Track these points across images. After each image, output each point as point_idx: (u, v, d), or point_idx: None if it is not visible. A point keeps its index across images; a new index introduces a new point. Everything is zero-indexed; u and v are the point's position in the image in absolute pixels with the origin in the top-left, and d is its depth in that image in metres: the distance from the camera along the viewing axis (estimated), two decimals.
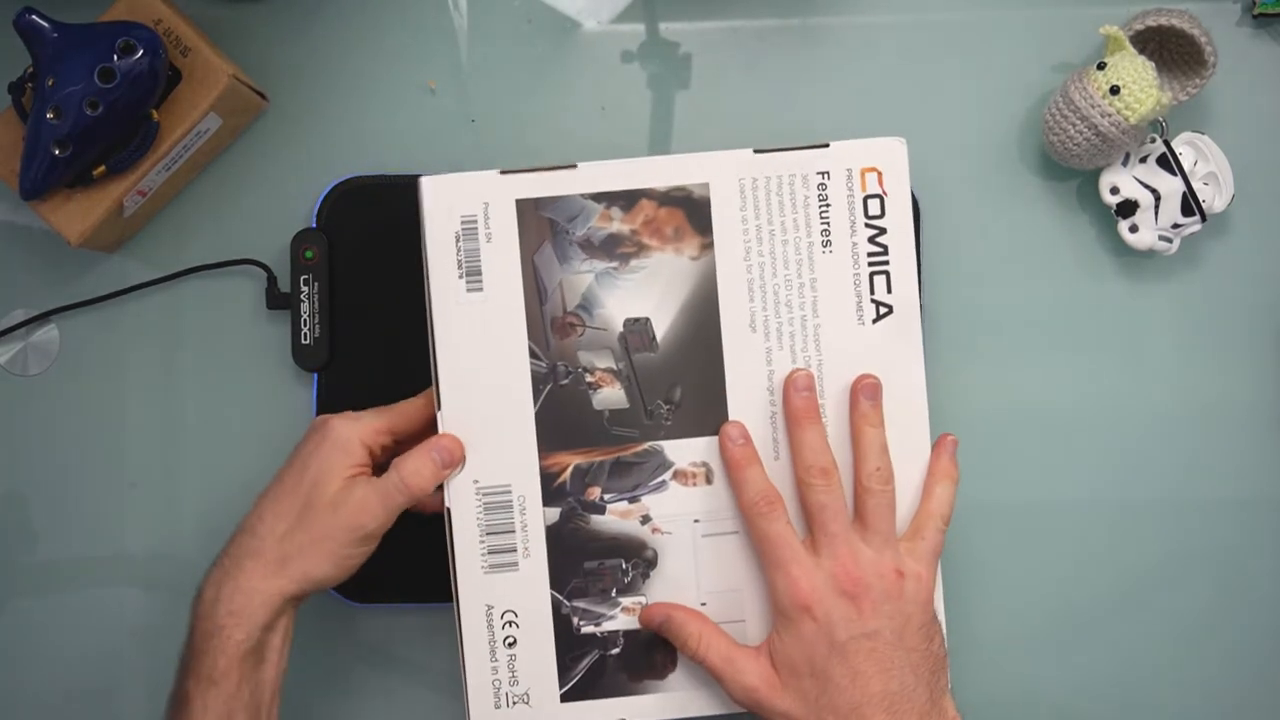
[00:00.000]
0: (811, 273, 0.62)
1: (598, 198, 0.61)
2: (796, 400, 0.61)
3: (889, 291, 0.62)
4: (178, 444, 0.70)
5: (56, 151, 0.63)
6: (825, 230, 0.61)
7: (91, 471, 0.70)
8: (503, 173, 0.61)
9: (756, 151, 0.61)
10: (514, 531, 0.62)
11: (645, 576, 0.62)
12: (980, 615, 0.69)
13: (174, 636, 0.70)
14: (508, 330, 0.62)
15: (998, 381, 0.69)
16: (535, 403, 0.62)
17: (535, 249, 0.61)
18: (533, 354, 0.62)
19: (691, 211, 0.62)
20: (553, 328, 0.62)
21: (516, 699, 0.62)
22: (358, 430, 0.61)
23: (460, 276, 0.61)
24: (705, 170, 0.62)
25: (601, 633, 0.62)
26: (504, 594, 0.62)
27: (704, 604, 0.62)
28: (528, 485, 0.62)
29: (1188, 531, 0.69)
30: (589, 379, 0.62)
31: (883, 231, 0.61)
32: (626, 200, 0.62)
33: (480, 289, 0.61)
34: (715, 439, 0.62)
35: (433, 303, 0.61)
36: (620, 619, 0.62)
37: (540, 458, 0.62)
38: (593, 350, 0.62)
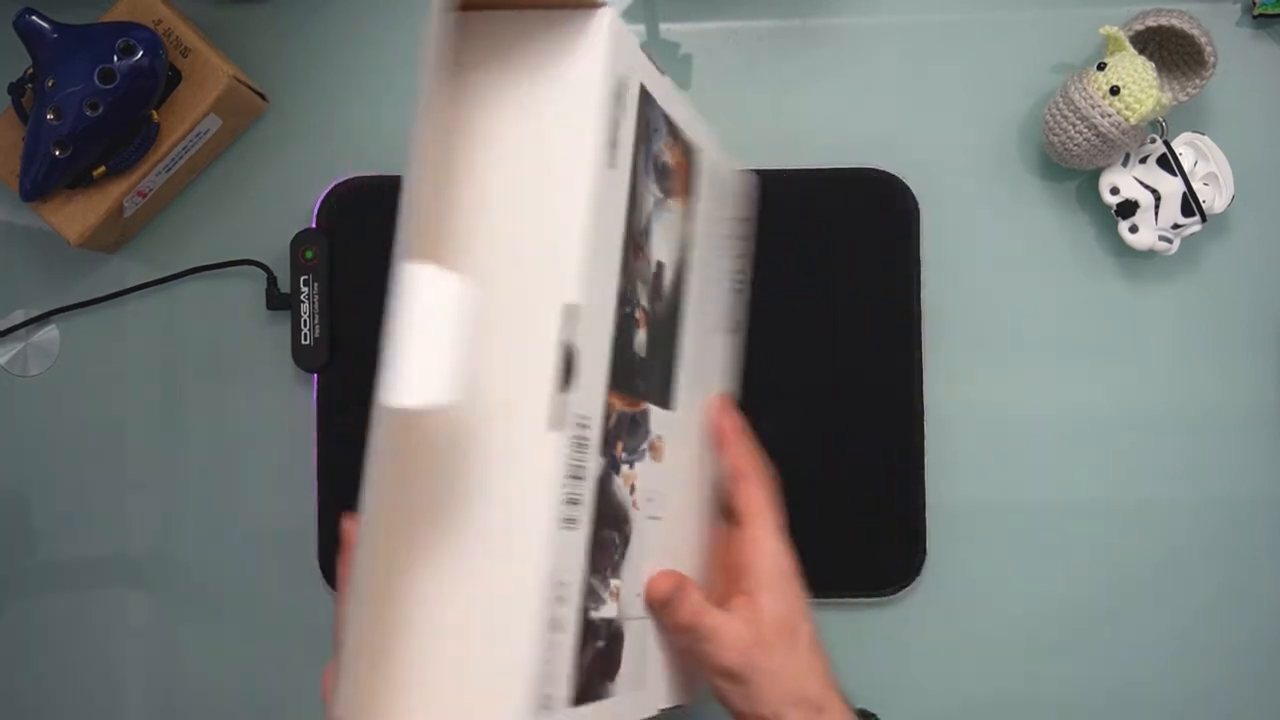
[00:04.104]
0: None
1: (668, 121, 0.51)
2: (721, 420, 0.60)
3: None
4: (178, 444, 0.70)
5: (57, 152, 0.63)
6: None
7: (91, 471, 0.70)
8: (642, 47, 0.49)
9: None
10: (584, 478, 0.46)
11: (624, 556, 0.50)
12: (979, 615, 0.69)
13: (174, 637, 0.70)
14: (618, 223, 0.47)
15: (997, 381, 0.69)
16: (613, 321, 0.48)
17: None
18: None
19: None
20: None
21: None
22: None
23: (608, 145, 0.45)
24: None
25: (595, 619, 0.48)
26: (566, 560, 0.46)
27: None
28: (596, 417, 0.47)
29: (1188, 532, 0.69)
30: (635, 315, 0.49)
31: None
32: (673, 136, 0.52)
33: (614, 166, 0.46)
34: (669, 413, 0.53)
35: (574, 167, 0.45)
36: (608, 605, 0.49)
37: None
38: (645, 282, 0.50)
